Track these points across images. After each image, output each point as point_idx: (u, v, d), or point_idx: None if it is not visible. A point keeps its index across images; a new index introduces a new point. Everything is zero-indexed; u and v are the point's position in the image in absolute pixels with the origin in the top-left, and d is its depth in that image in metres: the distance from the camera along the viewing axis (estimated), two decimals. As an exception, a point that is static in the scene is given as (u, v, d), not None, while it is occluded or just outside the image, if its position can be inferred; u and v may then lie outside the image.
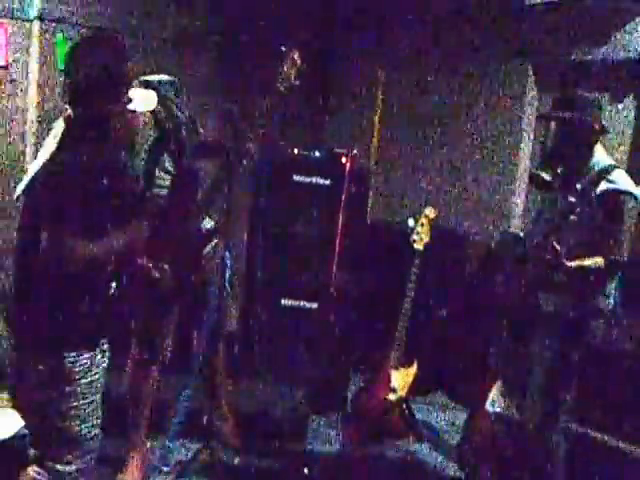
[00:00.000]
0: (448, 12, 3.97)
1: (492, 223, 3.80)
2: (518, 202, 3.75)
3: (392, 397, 3.41)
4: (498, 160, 3.85)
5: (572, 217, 2.57)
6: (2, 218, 3.68)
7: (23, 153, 3.77)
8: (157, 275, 2.59)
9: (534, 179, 2.87)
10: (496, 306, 3.23)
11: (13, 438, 2.60)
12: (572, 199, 2.55)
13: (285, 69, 2.64)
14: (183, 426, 2.70)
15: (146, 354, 2.79)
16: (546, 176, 2.78)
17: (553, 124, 2.80)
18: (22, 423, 2.44)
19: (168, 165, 2.68)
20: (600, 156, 2.73)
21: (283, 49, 2.64)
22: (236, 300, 3.57)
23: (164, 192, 2.68)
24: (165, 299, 2.70)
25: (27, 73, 3.69)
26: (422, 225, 3.40)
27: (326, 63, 4.43)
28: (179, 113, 2.71)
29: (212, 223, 2.81)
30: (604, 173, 2.65)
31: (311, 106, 4.48)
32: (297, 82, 2.66)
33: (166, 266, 2.61)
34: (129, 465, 2.83)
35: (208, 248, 2.80)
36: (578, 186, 2.63)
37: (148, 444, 2.89)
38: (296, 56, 2.66)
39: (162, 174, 2.67)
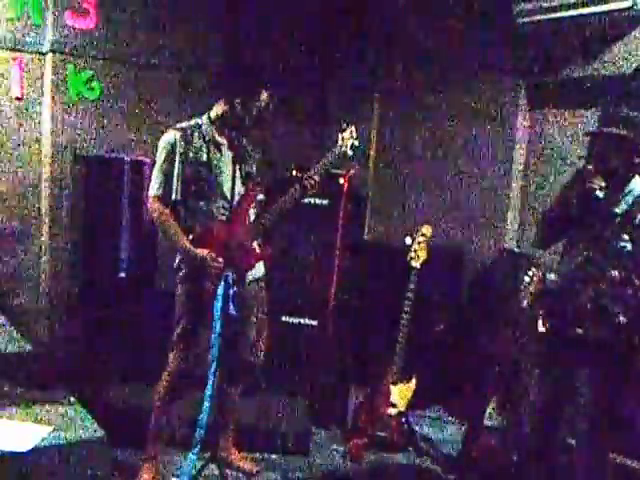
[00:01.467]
0: (440, 31, 4.09)
1: (487, 239, 3.88)
2: (512, 218, 3.83)
3: (392, 411, 3.52)
4: (492, 177, 3.93)
5: (622, 243, 2.58)
6: (20, 242, 3.95)
7: (38, 182, 3.96)
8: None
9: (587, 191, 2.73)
10: (500, 325, 3.32)
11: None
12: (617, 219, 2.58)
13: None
14: (198, 439, 2.77)
15: (183, 364, 2.94)
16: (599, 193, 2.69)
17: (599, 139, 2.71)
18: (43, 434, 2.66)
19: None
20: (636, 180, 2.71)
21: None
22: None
23: None
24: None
25: (41, 104, 3.91)
26: (419, 243, 3.51)
27: (323, 91, 4.57)
28: None
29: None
30: None
31: (308, 127, 4.61)
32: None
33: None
34: (142, 475, 2.97)
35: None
36: (622, 208, 2.63)
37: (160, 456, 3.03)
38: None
39: None
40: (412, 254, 3.48)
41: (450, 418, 3.95)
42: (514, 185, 3.86)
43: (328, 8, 4.52)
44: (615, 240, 2.61)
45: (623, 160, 2.67)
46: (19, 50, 3.82)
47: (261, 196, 3.11)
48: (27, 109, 3.89)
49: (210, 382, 2.74)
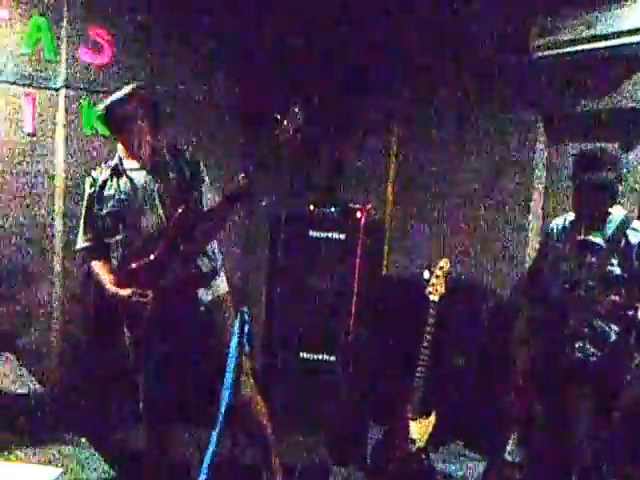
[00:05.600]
0: (459, 65, 4.21)
1: (507, 272, 3.97)
2: (531, 252, 3.92)
3: (411, 447, 3.58)
4: (510, 210, 4.01)
5: (610, 268, 2.77)
6: (31, 281, 4.01)
7: (51, 217, 4.05)
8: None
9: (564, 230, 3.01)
10: (514, 356, 3.40)
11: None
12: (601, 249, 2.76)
13: (285, 122, 2.74)
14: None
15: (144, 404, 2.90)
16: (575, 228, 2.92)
17: (583, 186, 2.86)
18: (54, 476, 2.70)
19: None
20: (615, 207, 2.89)
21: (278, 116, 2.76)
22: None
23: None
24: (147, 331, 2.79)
25: (54, 140, 4.01)
26: (437, 277, 3.59)
27: (340, 119, 4.68)
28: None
29: (210, 265, 2.90)
30: (626, 224, 2.83)
31: (325, 162, 4.76)
32: (296, 135, 2.76)
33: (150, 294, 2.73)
34: None
35: (204, 292, 2.88)
36: (605, 234, 2.83)
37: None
38: (296, 109, 2.78)
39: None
40: (431, 288, 3.55)
41: (470, 453, 4.02)
42: (533, 218, 3.95)
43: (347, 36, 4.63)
44: (603, 265, 2.79)
45: (604, 199, 2.86)
46: (32, 86, 3.94)
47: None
48: (40, 145, 3.99)
49: (220, 424, 2.63)
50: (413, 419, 3.55)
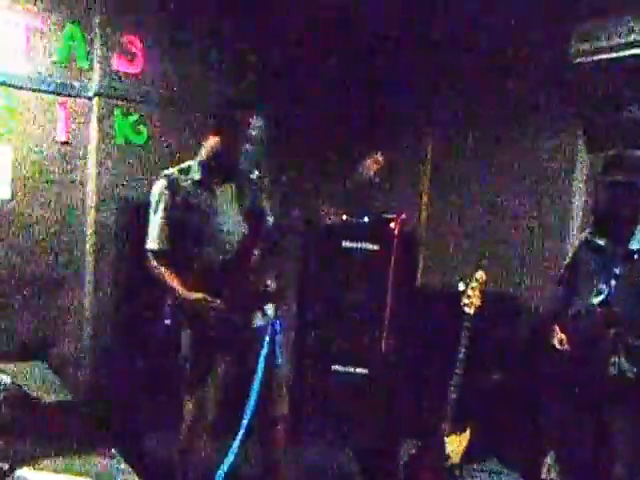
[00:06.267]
0: (496, 73, 4.15)
1: (544, 286, 3.89)
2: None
3: (445, 464, 3.53)
4: (549, 222, 3.95)
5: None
6: (63, 289, 4.02)
7: (83, 226, 4.06)
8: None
9: (589, 245, 3.00)
10: (552, 371, 3.33)
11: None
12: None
13: (364, 168, 2.81)
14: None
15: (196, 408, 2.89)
16: (600, 241, 2.92)
17: (606, 187, 2.89)
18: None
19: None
20: None
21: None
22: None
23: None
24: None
25: (86, 149, 4.02)
26: (473, 289, 3.54)
27: (374, 128, 4.60)
28: None
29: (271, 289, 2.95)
30: None
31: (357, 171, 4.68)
32: (376, 179, 2.85)
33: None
34: None
35: (260, 316, 2.93)
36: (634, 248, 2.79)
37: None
38: (379, 156, 2.82)
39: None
40: (466, 300, 3.51)
41: (505, 471, 3.94)
42: (573, 231, 3.88)
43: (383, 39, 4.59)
44: (634, 278, 2.76)
45: (629, 205, 2.83)
46: (65, 94, 3.95)
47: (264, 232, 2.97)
48: (72, 153, 4.01)
49: (242, 434, 2.63)
50: (447, 434, 3.51)
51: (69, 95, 3.96)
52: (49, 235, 3.96)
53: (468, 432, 3.50)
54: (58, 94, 3.93)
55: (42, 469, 2.90)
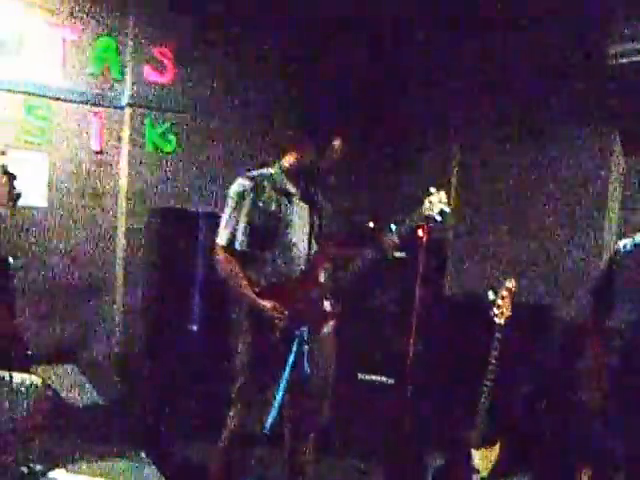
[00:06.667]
0: (527, 75, 4.07)
1: (578, 295, 3.77)
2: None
3: (474, 478, 3.44)
4: (583, 229, 3.81)
5: None
6: (94, 294, 4.12)
7: (114, 233, 4.18)
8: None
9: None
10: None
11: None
12: None
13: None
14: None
15: (244, 423, 2.88)
16: None
17: None
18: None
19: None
20: None
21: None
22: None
23: None
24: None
25: (119, 157, 4.14)
26: (503, 298, 3.44)
27: (399, 134, 4.61)
28: None
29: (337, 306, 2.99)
30: None
31: (385, 179, 4.68)
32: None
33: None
34: None
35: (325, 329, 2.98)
36: None
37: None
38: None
39: None
40: (496, 310, 3.40)
41: (538, 487, 3.82)
42: (607, 236, 3.75)
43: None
44: None
45: None
46: (99, 105, 4.09)
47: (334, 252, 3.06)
48: (105, 162, 4.13)
49: (265, 442, 2.66)
50: (476, 448, 3.42)
51: (102, 105, 4.10)
52: (82, 242, 4.08)
53: (498, 446, 3.40)
54: (92, 104, 4.07)
55: (74, 472, 2.95)
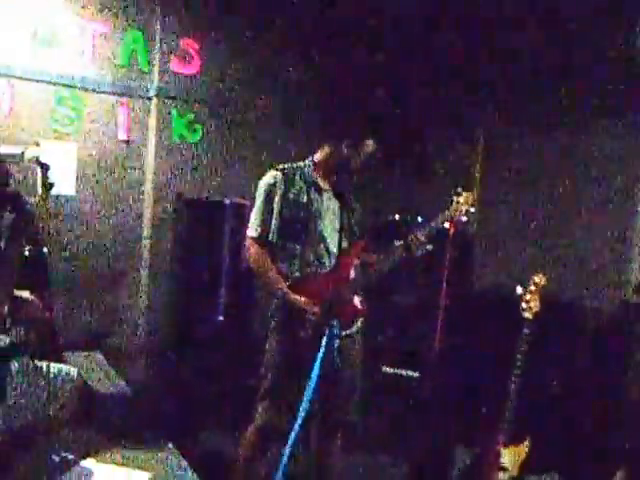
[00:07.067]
0: (555, 61, 4.00)
1: (607, 291, 3.69)
2: (634, 268, 3.64)
3: (502, 476, 3.37)
4: (612, 222, 3.75)
5: None
6: (119, 283, 4.14)
7: (140, 223, 4.20)
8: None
9: None
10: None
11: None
12: None
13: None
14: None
15: (272, 419, 2.87)
16: None
17: None
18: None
19: None
20: None
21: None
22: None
23: None
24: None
25: (145, 147, 4.17)
26: (531, 292, 3.39)
27: (422, 127, 4.57)
28: None
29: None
30: None
31: (408, 172, 4.63)
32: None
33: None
34: None
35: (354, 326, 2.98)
36: None
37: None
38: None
39: None
40: (524, 305, 3.35)
41: (568, 486, 3.75)
42: (637, 231, 3.68)
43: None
44: None
45: None
46: (127, 95, 4.13)
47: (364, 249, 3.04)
48: (132, 151, 4.16)
49: (294, 436, 2.55)
50: (505, 445, 3.34)
51: (130, 96, 4.14)
52: (109, 230, 4.12)
53: (527, 443, 3.34)
54: (120, 95, 4.11)
55: (104, 461, 2.99)
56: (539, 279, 3.41)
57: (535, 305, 3.36)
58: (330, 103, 4.23)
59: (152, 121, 4.15)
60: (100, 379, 3.49)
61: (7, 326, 2.39)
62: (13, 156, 2.81)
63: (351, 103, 4.17)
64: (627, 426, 3.14)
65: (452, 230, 3.62)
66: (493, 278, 4.23)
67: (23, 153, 2.89)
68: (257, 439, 2.93)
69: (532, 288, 3.39)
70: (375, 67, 4.46)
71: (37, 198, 2.78)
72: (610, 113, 3.76)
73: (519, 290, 3.41)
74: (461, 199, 3.03)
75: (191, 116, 4.20)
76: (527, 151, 4.20)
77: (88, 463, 2.93)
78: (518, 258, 4.12)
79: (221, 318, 3.78)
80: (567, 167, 3.99)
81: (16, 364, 2.46)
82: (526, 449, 3.36)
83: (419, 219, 3.16)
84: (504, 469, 3.35)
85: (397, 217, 3.59)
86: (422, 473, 3.62)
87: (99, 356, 3.82)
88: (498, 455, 3.34)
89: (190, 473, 2.98)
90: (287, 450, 2.59)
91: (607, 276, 3.70)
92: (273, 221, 2.90)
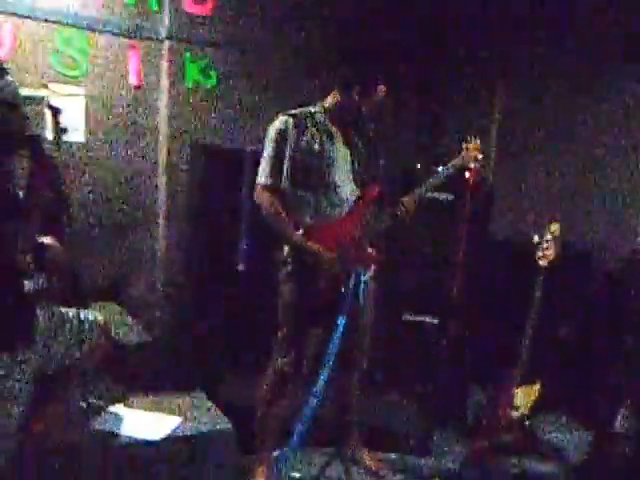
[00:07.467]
0: (568, 11, 3.97)
1: (619, 238, 3.79)
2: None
3: (514, 414, 3.55)
4: (628, 170, 3.81)
5: None
6: (135, 232, 4.10)
7: (155, 170, 4.13)
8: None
9: None
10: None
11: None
12: None
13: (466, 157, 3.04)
14: (305, 435, 2.73)
15: (288, 366, 2.95)
16: None
17: None
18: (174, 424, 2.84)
19: None
20: None
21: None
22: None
23: None
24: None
25: (158, 92, 4.04)
26: (547, 240, 3.47)
27: (440, 78, 4.53)
28: None
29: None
30: None
31: (427, 120, 4.63)
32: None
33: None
34: (257, 474, 3.04)
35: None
36: None
37: (275, 452, 3.07)
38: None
39: None
40: (540, 252, 3.43)
41: (573, 424, 3.95)
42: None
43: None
44: None
45: None
46: (136, 37, 3.95)
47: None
48: (145, 97, 4.03)
49: (323, 380, 2.66)
50: (517, 385, 3.50)
51: (140, 38, 3.96)
52: (123, 179, 4.03)
53: (539, 384, 3.50)
54: (129, 37, 3.93)
55: (131, 407, 3.03)
56: (555, 228, 3.50)
57: (551, 253, 3.46)
58: (346, 48, 4.14)
59: (164, 65, 4.01)
60: (120, 328, 3.51)
61: (31, 273, 2.37)
62: (34, 99, 2.74)
63: (364, 48, 4.10)
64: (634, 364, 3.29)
65: (471, 180, 3.70)
66: (511, 227, 4.31)
67: (45, 97, 2.82)
68: (275, 383, 3.01)
69: (548, 237, 3.49)
70: (391, 13, 4.36)
71: (50, 145, 2.72)
72: (630, 62, 3.77)
73: (536, 238, 3.50)
74: (470, 146, 3.06)
75: (205, 61, 4.06)
76: (545, 103, 4.21)
77: (117, 408, 2.99)
78: (535, 208, 4.20)
79: (241, 267, 3.79)
80: (584, 115, 4.02)
81: (42, 310, 2.45)
82: (537, 389, 3.54)
83: (439, 169, 3.17)
84: (516, 408, 3.52)
85: (418, 166, 3.60)
86: (441, 411, 3.78)
87: (116, 307, 3.83)
88: (511, 394, 3.53)
89: (219, 415, 3.05)
90: (316, 392, 2.70)
91: (622, 225, 3.80)
92: (284, 168, 2.85)
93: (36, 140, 2.12)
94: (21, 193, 2.07)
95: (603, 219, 3.89)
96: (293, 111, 2.91)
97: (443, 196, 3.78)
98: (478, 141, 3.07)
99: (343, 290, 2.79)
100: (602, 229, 3.90)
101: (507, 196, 4.40)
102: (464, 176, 3.66)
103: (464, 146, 3.06)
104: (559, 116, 4.11)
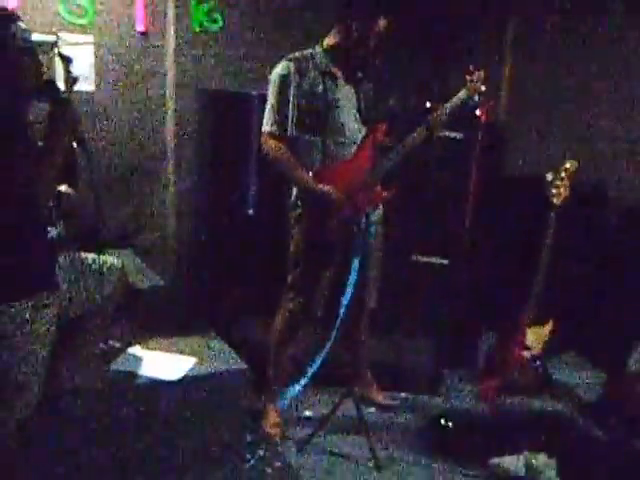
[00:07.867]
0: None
1: (634, 177, 3.72)
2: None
3: (526, 354, 3.55)
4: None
5: None
6: (146, 180, 4.10)
7: (163, 117, 4.11)
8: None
9: None
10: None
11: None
12: None
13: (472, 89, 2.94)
14: (315, 376, 2.84)
15: (299, 308, 2.99)
16: None
17: None
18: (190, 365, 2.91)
19: None
20: None
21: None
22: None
23: None
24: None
25: (164, 38, 4.00)
26: (561, 179, 3.42)
27: (450, 15, 4.39)
28: None
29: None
30: None
31: (439, 58, 4.51)
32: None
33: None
34: (268, 413, 3.10)
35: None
36: None
37: (287, 391, 3.06)
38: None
39: None
40: (553, 191, 3.38)
41: (586, 364, 3.94)
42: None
43: None
44: None
45: None
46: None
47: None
48: (151, 43, 3.99)
49: (339, 322, 2.74)
50: (529, 325, 3.49)
51: (145, -19, 3.91)
52: (132, 126, 4.03)
53: (550, 324, 3.48)
54: (134, -19, 3.89)
55: (149, 348, 3.10)
56: (570, 165, 3.44)
57: (564, 191, 3.41)
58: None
59: (170, 10, 3.96)
60: (135, 275, 3.56)
61: (53, 219, 2.42)
62: (46, 44, 2.73)
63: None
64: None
65: (483, 117, 3.64)
66: (523, 165, 4.24)
67: (56, 42, 2.81)
68: (286, 324, 3.05)
69: (562, 174, 3.42)
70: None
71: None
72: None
73: (549, 177, 3.45)
74: (474, 77, 2.96)
75: (211, 4, 4.01)
76: (558, 38, 4.09)
77: (135, 350, 3.06)
78: (549, 146, 4.12)
79: (251, 212, 3.80)
80: (599, 52, 3.89)
81: (64, 256, 2.50)
82: (549, 329, 3.53)
83: (447, 105, 3.11)
84: (528, 347, 3.53)
85: (428, 105, 3.53)
86: (452, 351, 3.78)
87: (129, 253, 3.86)
88: (523, 335, 3.53)
89: (233, 356, 3.11)
90: (332, 335, 2.74)
91: (635, 162, 3.72)
92: (289, 114, 2.82)
93: (53, 85, 2.11)
94: (40, 142, 2.08)
95: (622, 155, 3.79)
96: (294, 54, 2.88)
97: (453, 134, 3.72)
98: (482, 72, 2.96)
99: (355, 230, 2.82)
100: (619, 166, 3.81)
101: (520, 134, 4.31)
102: (475, 114, 3.62)
103: (467, 78, 2.96)
104: (574, 54, 3.99)
